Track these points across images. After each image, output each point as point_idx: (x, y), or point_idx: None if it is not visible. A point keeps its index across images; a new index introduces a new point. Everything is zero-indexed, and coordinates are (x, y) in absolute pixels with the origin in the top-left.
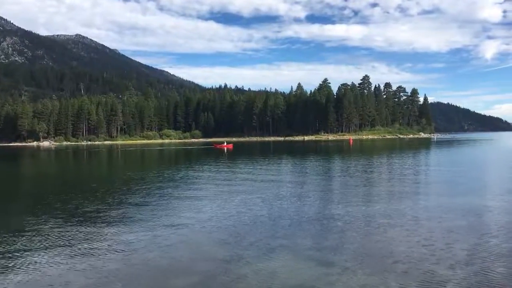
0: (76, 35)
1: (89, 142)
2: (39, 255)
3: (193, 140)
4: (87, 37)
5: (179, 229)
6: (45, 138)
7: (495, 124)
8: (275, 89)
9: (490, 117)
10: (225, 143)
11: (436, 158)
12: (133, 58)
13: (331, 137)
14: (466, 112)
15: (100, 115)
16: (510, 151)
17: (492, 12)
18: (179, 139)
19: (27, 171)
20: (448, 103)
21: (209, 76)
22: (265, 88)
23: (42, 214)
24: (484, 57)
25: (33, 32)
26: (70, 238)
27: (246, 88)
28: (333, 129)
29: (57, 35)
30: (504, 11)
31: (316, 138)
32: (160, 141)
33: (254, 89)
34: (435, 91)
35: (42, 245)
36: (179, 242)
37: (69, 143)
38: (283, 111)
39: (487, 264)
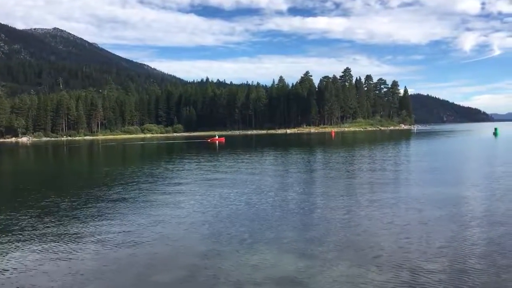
0: (54, 28)
1: (69, 138)
2: (10, 254)
3: (175, 134)
4: (65, 31)
5: (158, 225)
6: (23, 134)
7: (473, 115)
8: (257, 82)
9: (469, 108)
10: (217, 137)
11: (415, 149)
12: (113, 52)
13: (313, 129)
14: (445, 104)
15: (80, 110)
16: (486, 142)
17: (471, 4)
18: (161, 133)
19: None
20: (427, 94)
21: (191, 69)
22: (247, 81)
23: (13, 212)
24: (463, 49)
25: (10, 25)
26: (43, 236)
27: (228, 82)
28: (315, 121)
29: (34, 29)
30: (483, 3)
31: (298, 131)
32: (142, 135)
33: (236, 83)
34: (415, 83)
35: (13, 244)
36: (159, 238)
37: (48, 138)
38: (265, 104)
39: (464, 253)
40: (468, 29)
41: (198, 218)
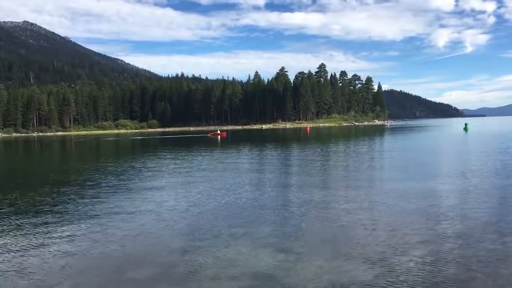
0: (24, 21)
1: (40, 134)
2: None
3: (149, 130)
4: (35, 24)
5: (135, 221)
6: None
7: (445, 111)
8: (233, 78)
9: (441, 104)
10: (219, 131)
11: (389, 144)
12: (86, 46)
13: (288, 125)
14: (417, 99)
15: (52, 105)
16: (456, 137)
17: (445, 1)
18: (135, 129)
19: None
20: (401, 90)
21: (166, 64)
22: (223, 77)
23: None
24: (437, 45)
25: None
26: (14, 235)
27: (203, 77)
28: (290, 117)
29: (4, 22)
30: (456, 0)
31: (274, 127)
32: (116, 131)
33: (212, 78)
34: (390, 79)
35: None
36: (135, 234)
37: (18, 134)
38: (241, 100)
39: (440, 246)
40: (442, 26)
41: (176, 213)
